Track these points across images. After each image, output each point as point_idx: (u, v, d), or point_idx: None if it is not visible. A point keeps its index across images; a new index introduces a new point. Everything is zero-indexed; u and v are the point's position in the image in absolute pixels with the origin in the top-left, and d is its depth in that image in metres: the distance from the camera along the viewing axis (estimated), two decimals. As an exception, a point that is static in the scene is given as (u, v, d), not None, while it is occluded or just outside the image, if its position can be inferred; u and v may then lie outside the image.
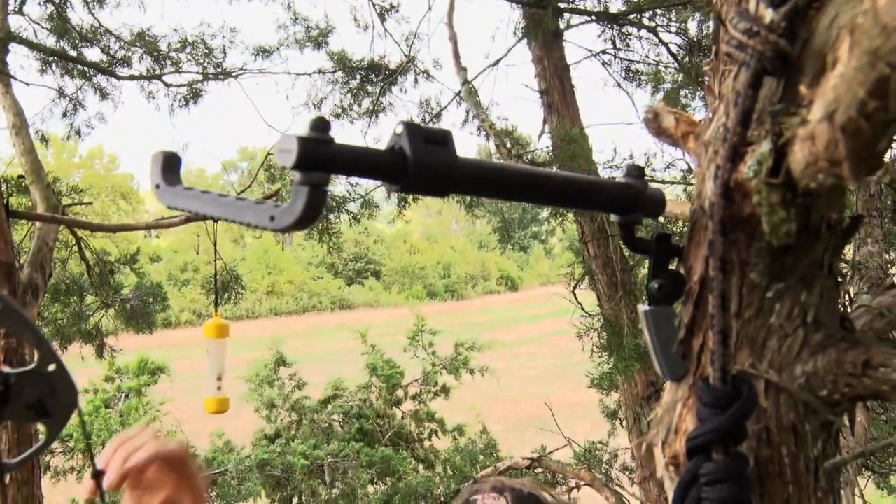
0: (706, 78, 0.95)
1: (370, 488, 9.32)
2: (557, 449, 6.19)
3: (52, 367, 1.03)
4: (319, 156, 0.67)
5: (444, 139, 0.74)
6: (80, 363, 7.40)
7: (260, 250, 36.22)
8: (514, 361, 22.78)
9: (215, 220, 0.79)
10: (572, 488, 5.74)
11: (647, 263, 0.93)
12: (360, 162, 0.71)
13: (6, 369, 1.00)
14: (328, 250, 6.64)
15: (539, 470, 5.74)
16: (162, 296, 7.97)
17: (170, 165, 0.83)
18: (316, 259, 36.93)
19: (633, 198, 0.90)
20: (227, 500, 8.48)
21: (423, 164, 0.72)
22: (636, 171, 0.91)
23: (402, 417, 11.05)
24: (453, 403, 11.59)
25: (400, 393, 11.21)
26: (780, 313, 0.81)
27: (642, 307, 0.91)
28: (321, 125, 0.68)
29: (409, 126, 0.72)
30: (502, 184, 0.82)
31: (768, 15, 0.72)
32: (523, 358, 24.71)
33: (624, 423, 5.86)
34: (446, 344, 11.65)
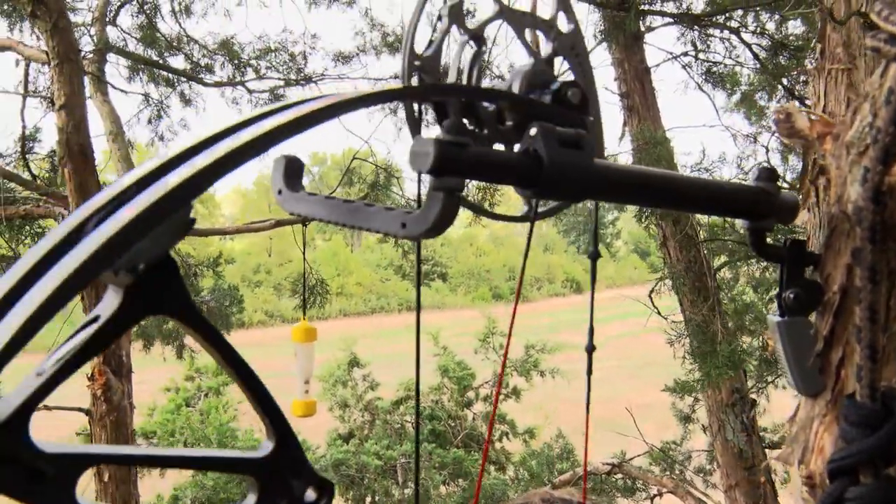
0: (810, 78, 0.90)
1: (442, 489, 9.33)
2: (638, 455, 6.06)
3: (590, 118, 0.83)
4: (456, 160, 0.64)
5: (578, 142, 0.71)
6: (161, 363, 7.59)
7: (329, 252, 36.65)
8: (580, 364, 22.41)
9: (341, 227, 0.76)
10: (655, 495, 5.61)
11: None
12: (495, 166, 0.68)
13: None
14: (403, 253, 6.65)
15: (619, 476, 5.63)
16: (238, 298, 8.12)
17: (292, 171, 0.81)
18: (384, 261, 37.19)
19: (767, 203, 0.85)
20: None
21: (559, 168, 0.69)
22: (769, 175, 0.87)
23: (473, 419, 11.03)
24: (523, 405, 11.53)
25: (471, 394, 11.20)
26: (932, 326, 0.76)
27: (773, 318, 0.86)
28: (457, 127, 0.65)
29: (544, 127, 0.69)
30: (640, 188, 0.78)
31: (925, 5, 0.68)
32: (590, 360, 24.36)
33: (708, 430, 5.69)
34: (513, 346, 11.58)
